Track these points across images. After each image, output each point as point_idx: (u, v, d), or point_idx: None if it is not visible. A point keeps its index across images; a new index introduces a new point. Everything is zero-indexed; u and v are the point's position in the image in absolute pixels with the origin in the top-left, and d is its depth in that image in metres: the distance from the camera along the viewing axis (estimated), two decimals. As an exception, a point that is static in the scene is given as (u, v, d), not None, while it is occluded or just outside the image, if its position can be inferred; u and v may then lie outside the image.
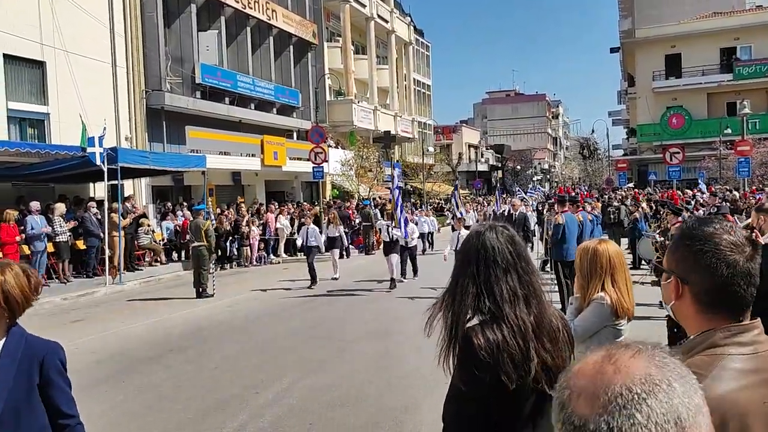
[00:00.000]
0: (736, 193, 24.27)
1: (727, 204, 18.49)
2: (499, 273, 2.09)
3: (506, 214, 19.98)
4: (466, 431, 2.04)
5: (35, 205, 15.14)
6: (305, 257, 15.49)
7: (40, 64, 18.36)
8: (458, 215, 18.21)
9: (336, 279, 15.56)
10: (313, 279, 14.72)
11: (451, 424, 2.07)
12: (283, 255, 21.97)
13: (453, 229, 14.89)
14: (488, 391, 1.97)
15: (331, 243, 16.10)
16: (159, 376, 7.68)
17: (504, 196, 38.83)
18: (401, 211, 14.31)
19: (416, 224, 18.01)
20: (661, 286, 1.59)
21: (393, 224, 14.47)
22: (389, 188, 21.88)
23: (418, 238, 20.59)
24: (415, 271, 15.83)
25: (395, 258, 14.32)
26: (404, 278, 15.04)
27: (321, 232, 16.09)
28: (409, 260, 15.61)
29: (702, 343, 1.44)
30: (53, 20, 18.34)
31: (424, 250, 21.57)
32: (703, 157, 38.92)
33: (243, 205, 23.47)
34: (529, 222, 16.00)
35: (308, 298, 13.25)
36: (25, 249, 14.79)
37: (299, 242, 15.55)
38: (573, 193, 31.48)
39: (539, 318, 2.06)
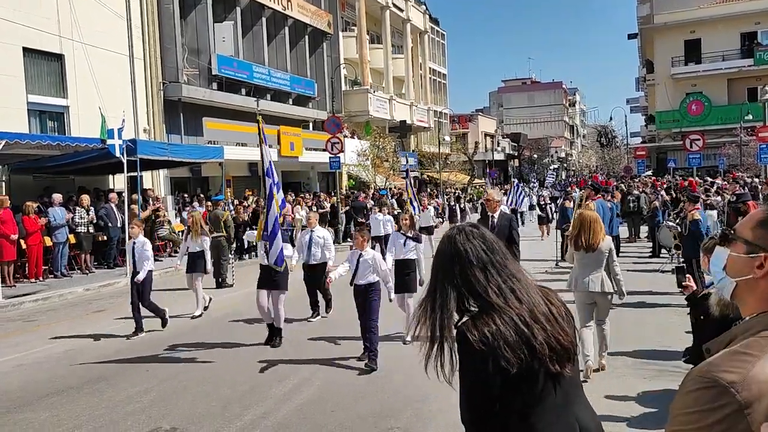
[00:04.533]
0: (756, 179, 23.95)
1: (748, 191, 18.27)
2: (477, 273, 2.15)
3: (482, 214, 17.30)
4: (482, 423, 2.08)
5: (57, 197, 15.33)
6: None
7: (59, 57, 18.51)
8: (411, 213, 14.82)
9: (196, 317, 10.52)
10: (161, 320, 9.78)
11: (467, 420, 2.11)
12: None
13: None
14: (493, 380, 2.02)
15: (192, 263, 10.85)
16: (182, 365, 7.76)
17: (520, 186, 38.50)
18: (277, 213, 8.18)
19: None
20: (732, 258, 1.55)
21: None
22: (403, 177, 20.33)
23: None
24: (328, 302, 10.37)
25: (280, 296, 8.59)
26: (313, 318, 10.08)
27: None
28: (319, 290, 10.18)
29: (757, 325, 1.42)
30: (71, 13, 18.46)
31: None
32: (724, 143, 38.42)
33: (252, 196, 23.54)
34: (514, 227, 8.64)
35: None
36: (47, 240, 14.98)
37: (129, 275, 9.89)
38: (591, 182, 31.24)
39: (530, 302, 2.11)
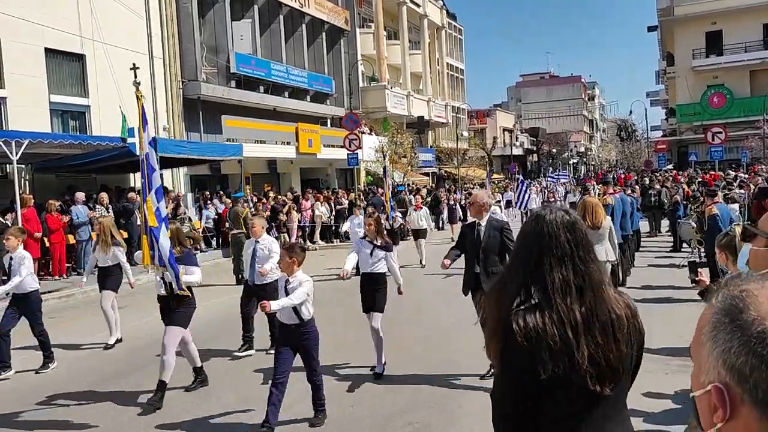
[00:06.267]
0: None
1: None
2: (553, 262, 2.03)
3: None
4: (508, 414, 2.03)
5: (80, 195, 15.55)
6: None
7: (80, 57, 18.74)
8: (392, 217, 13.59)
9: (110, 346, 8.78)
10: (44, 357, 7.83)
11: (495, 405, 2.08)
12: (320, 242, 22.16)
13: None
14: (530, 378, 1.94)
15: (102, 279, 8.99)
16: (203, 361, 7.82)
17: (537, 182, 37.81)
18: (161, 224, 6.24)
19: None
20: (753, 252, 1.56)
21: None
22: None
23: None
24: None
25: (173, 335, 6.44)
26: (241, 351, 8.11)
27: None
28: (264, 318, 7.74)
29: None
30: (91, 13, 18.68)
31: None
32: (746, 136, 37.89)
33: (271, 192, 23.71)
34: (509, 237, 6.48)
35: (346, 284, 13.32)
36: (71, 238, 15.19)
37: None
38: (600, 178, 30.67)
39: (592, 310, 1.98)
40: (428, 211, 17.69)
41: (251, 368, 7.51)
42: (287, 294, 5.53)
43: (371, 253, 7.06)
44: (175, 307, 6.48)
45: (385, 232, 7.50)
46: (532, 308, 1.99)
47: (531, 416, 1.98)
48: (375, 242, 7.12)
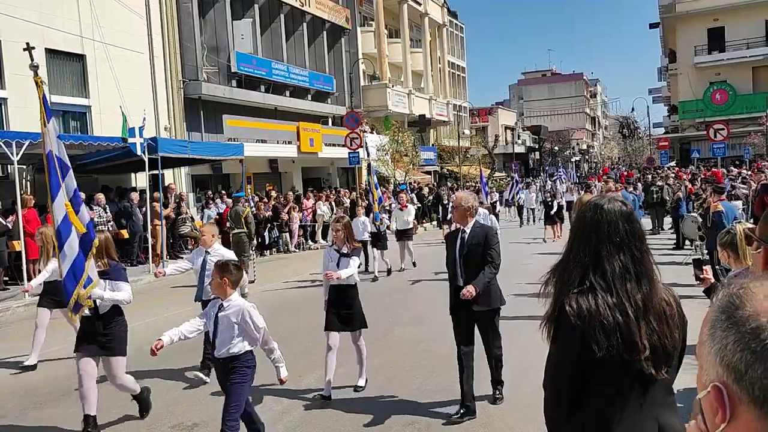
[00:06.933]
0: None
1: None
2: (612, 249, 2.09)
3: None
4: (560, 394, 2.08)
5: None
6: None
7: (80, 58, 18.73)
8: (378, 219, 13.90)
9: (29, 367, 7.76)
10: None
11: (547, 385, 2.13)
12: (322, 241, 22.13)
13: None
14: (583, 358, 1.99)
15: (47, 292, 7.80)
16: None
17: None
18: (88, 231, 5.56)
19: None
20: (753, 256, 1.54)
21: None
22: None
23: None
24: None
25: (119, 367, 5.72)
26: (202, 374, 6.95)
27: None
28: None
29: None
30: (92, 14, 18.67)
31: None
32: (749, 133, 37.77)
33: (273, 192, 23.70)
34: (492, 245, 5.59)
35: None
36: (72, 239, 15.17)
37: None
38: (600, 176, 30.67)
39: (648, 297, 2.06)
40: (414, 210, 16.93)
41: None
42: (216, 322, 4.64)
43: (338, 264, 6.22)
44: (102, 330, 5.54)
45: (355, 239, 6.65)
46: (585, 292, 2.05)
47: (584, 400, 2.03)
48: (342, 251, 6.29)
